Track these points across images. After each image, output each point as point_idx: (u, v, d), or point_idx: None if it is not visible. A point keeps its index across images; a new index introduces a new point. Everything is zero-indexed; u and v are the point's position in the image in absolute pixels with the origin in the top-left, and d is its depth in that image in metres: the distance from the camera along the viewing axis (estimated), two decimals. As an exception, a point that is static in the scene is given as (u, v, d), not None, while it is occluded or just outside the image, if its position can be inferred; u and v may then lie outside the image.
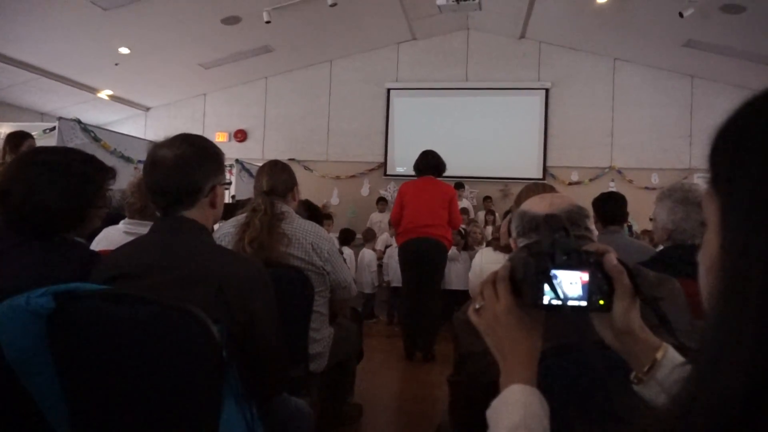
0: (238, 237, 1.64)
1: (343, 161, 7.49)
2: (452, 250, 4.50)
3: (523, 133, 7.05)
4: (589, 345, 0.67)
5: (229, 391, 0.87)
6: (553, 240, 0.62)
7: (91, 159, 1.16)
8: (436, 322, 3.67)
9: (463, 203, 6.37)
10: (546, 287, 0.61)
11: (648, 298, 0.63)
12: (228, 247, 1.61)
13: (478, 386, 0.83)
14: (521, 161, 7.01)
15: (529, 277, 0.61)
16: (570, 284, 0.61)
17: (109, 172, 1.19)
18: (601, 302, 0.62)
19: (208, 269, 1.00)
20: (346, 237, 5.10)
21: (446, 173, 3.86)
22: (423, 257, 3.55)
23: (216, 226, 1.86)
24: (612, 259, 0.63)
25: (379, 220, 6.63)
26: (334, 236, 5.08)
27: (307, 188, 6.98)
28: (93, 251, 1.17)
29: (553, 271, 0.61)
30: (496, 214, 6.50)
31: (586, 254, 0.62)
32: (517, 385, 0.58)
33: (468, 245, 4.76)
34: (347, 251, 4.89)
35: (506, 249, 2.03)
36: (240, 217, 1.72)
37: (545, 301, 0.61)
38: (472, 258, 3.59)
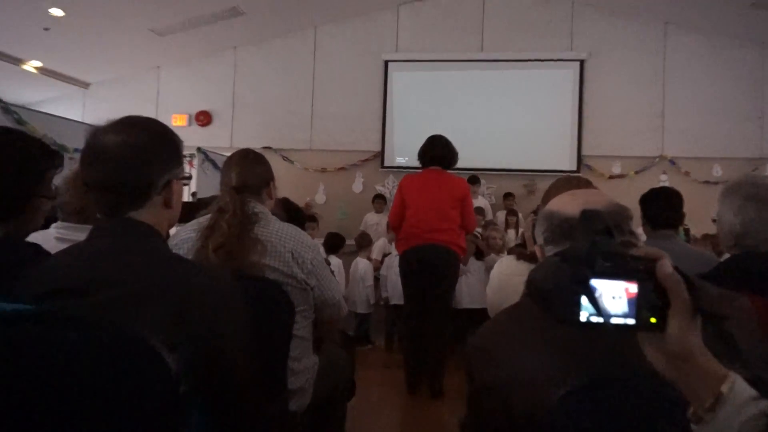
0: (200, 244, 1.64)
1: (331, 150, 7.51)
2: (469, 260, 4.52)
3: (553, 115, 7.10)
4: (637, 373, 0.67)
5: (188, 436, 0.87)
6: (592, 242, 0.62)
7: (34, 139, 1.16)
8: (445, 348, 3.68)
9: (479, 201, 6.42)
10: (583, 301, 0.60)
11: (711, 315, 0.63)
12: (187, 256, 1.60)
13: (497, 430, 0.83)
14: (550, 150, 7.06)
15: (561, 288, 0.61)
16: (614, 298, 0.61)
17: (56, 157, 1.19)
18: (653, 320, 0.62)
19: (163, 284, 0.99)
20: (335, 243, 5.11)
21: (458, 165, 3.89)
22: (429, 268, 3.57)
23: (172, 231, 1.86)
24: (667, 266, 0.62)
25: (376, 222, 6.66)
26: (319, 242, 5.08)
27: (287, 184, 7.02)
28: (39, 250, 1.16)
29: (593, 281, 0.61)
30: (519, 215, 6.53)
31: (634, 260, 0.62)
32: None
33: (483, 253, 4.76)
34: (335, 261, 4.89)
35: (533, 258, 2.03)
36: (203, 220, 1.72)
37: (582, 318, 0.60)
38: (488, 269, 3.60)
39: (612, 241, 0.65)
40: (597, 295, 0.60)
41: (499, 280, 2.45)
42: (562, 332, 0.63)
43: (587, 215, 0.90)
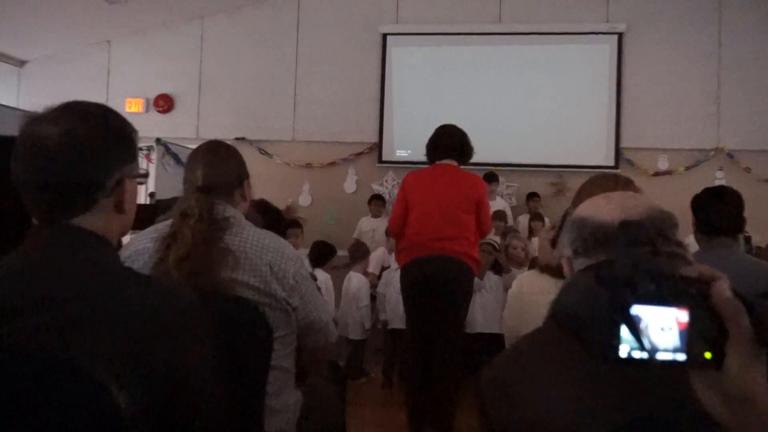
0: (159, 256, 1.64)
1: (318, 142, 7.54)
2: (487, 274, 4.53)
3: (585, 99, 7.14)
4: (688, 418, 0.67)
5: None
6: (634, 260, 0.62)
7: None
8: (455, 383, 3.67)
9: (497, 204, 6.45)
10: (624, 332, 0.61)
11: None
12: (144, 270, 1.60)
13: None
14: (582, 141, 7.10)
15: (596, 316, 0.61)
16: (661, 328, 0.61)
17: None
18: (708, 355, 0.62)
19: (112, 306, 0.99)
20: (323, 254, 5.10)
21: (473, 159, 3.91)
22: (437, 285, 3.58)
23: (125, 240, 1.85)
24: (724, 289, 0.63)
25: (372, 228, 6.68)
26: (303, 253, 5.08)
27: (265, 182, 6.93)
28: None
29: (636, 308, 0.61)
30: (546, 220, 6.53)
31: (684, 282, 0.63)
32: None
33: (502, 267, 4.77)
34: (323, 276, 4.88)
35: (558, 271, 2.04)
36: (162, 226, 1.72)
37: (622, 352, 0.61)
38: (508, 286, 3.58)
39: (658, 259, 0.65)
40: (640, 325, 0.61)
41: (520, 300, 2.45)
42: (597, 368, 0.63)
43: (626, 227, 0.90)
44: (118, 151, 1.11)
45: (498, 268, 4.77)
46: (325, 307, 1.87)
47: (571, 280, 0.94)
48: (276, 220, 2.64)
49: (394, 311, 4.85)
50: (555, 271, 2.21)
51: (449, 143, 3.74)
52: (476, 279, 4.04)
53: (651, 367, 0.61)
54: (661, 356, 0.61)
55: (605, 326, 0.61)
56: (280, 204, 4.82)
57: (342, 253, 5.64)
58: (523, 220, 6.72)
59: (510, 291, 2.58)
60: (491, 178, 6.43)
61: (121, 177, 1.11)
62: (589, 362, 0.64)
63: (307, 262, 4.98)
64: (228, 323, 1.51)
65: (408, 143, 7.23)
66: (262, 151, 7.55)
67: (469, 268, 3.65)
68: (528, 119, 7.15)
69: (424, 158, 3.90)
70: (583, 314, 0.63)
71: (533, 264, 4.86)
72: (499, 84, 7.25)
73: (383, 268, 5.53)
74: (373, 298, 5.28)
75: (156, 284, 1.10)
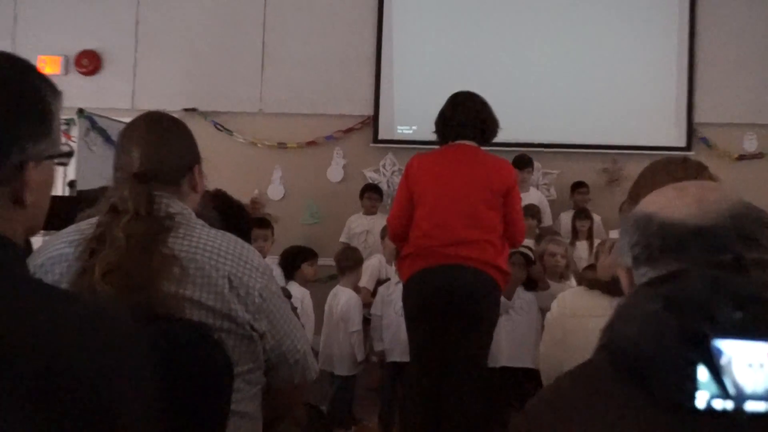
0: (81, 264, 1.63)
1: (294, 115, 7.56)
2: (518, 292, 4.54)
3: (647, 62, 7.16)
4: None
5: None
6: (713, 276, 0.62)
7: None
8: (474, 430, 3.68)
9: (531, 196, 6.47)
10: (701, 373, 0.62)
11: None
12: (60, 284, 1.60)
13: None
14: (643, 115, 7.12)
15: (665, 352, 0.63)
16: (750, 366, 0.62)
17: None
18: None
19: (16, 332, 0.98)
20: (297, 263, 5.11)
21: (498, 138, 3.93)
22: (452, 305, 3.59)
23: (36, 243, 1.84)
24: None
25: (366, 229, 6.70)
26: (274, 263, 5.08)
27: (223, 168, 6.93)
28: None
29: (717, 342, 0.62)
30: (595, 218, 6.58)
31: None
32: None
33: (537, 281, 4.77)
34: (299, 292, 4.88)
35: (614, 287, 2.05)
36: (86, 226, 1.72)
37: (700, 401, 0.62)
38: (545, 307, 3.57)
39: (746, 277, 0.65)
40: (723, 363, 0.61)
41: (561, 325, 2.44)
42: (665, 420, 0.62)
43: (701, 233, 0.90)
44: (25, 125, 1.09)
45: (532, 283, 4.77)
46: (302, 333, 1.86)
47: (631, 299, 0.94)
48: (237, 218, 2.63)
49: (395, 339, 4.85)
50: (608, 287, 2.21)
51: (467, 117, 3.75)
52: (503, 298, 4.04)
53: (737, 420, 0.61)
54: (750, 406, 0.62)
55: (676, 366, 0.62)
56: (244, 197, 4.83)
57: (326, 261, 5.63)
58: (565, 218, 6.75)
59: (548, 314, 2.59)
60: (523, 163, 6.46)
61: (25, 159, 1.09)
62: (654, 413, 0.64)
63: (278, 273, 4.97)
64: (173, 355, 1.50)
65: (412, 117, 7.24)
66: (220, 127, 7.55)
67: (494, 282, 3.66)
68: (572, 86, 7.18)
69: (433, 137, 3.91)
70: (646, 349, 0.63)
71: (581, 277, 4.89)
72: (532, 40, 7.27)
73: (380, 282, 5.53)
74: (366, 321, 5.27)
75: (76, 303, 1.09)
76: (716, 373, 0.62)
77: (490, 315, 3.71)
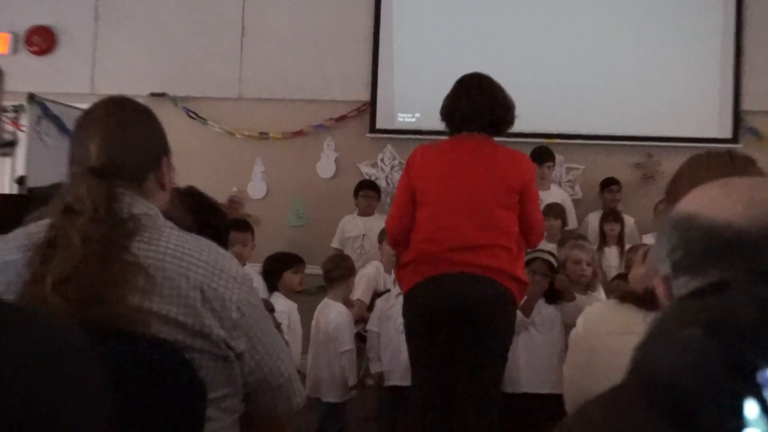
0: (31, 272, 1.63)
1: (278, 101, 7.58)
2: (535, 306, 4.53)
3: (688, 40, 7.17)
4: None
5: None
6: (762, 299, 0.62)
7: None
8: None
9: (553, 194, 6.49)
10: (750, 409, 0.62)
11: None
12: (6, 294, 1.59)
13: None
14: (683, 102, 7.13)
15: (707, 385, 0.63)
16: None
17: None
18: None
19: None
20: (279, 271, 5.10)
21: (514, 128, 3.92)
22: (460, 320, 3.59)
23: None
24: None
25: (361, 233, 6.72)
26: (254, 271, 5.08)
27: (196, 161, 6.94)
28: None
29: (766, 373, 0.62)
30: (628, 220, 6.58)
31: None
32: None
33: (560, 292, 4.75)
34: (285, 305, 4.88)
35: (649, 300, 2.04)
36: (36, 229, 1.71)
37: None
38: (571, 322, 3.54)
39: None
40: None
41: (588, 344, 2.43)
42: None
43: (749, 240, 0.89)
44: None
45: (555, 295, 4.75)
46: (287, 353, 1.86)
47: (668, 315, 0.93)
48: (212, 219, 2.61)
49: (394, 360, 4.85)
50: (642, 300, 2.20)
51: (477, 104, 3.74)
52: (520, 314, 4.02)
53: None
54: None
55: (720, 400, 0.62)
56: (220, 195, 4.81)
57: (313, 269, 5.63)
58: (593, 219, 6.75)
59: (573, 331, 2.58)
60: (543, 156, 6.46)
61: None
62: None
63: (260, 283, 4.96)
64: (136, 378, 1.50)
65: (415, 103, 7.25)
66: (192, 114, 7.55)
67: (510, 294, 3.65)
68: (600, 68, 7.18)
69: (439, 125, 3.90)
70: (685, 379, 0.63)
71: (610, 288, 4.82)
72: (555, 14, 7.27)
73: (377, 294, 5.53)
74: (361, 338, 5.27)
75: (24, 317, 1.08)
76: (766, 408, 0.61)
77: (504, 332, 3.70)
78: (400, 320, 3.99)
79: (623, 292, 2.42)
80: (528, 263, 4.08)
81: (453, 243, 3.61)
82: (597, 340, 2.37)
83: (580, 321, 2.54)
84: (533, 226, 3.77)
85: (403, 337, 3.96)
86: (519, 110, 3.85)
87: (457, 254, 3.59)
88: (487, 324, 3.60)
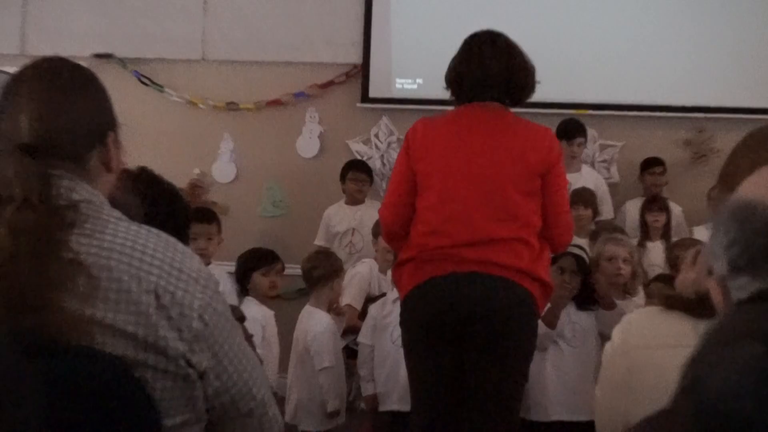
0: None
1: (250, 64, 7.60)
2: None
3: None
4: None
5: None
6: None
7: None
8: None
9: (584, 177, 6.51)
10: None
11: None
12: None
13: None
14: (741, 67, 7.13)
15: None
16: None
17: None
18: None
19: None
20: (248, 274, 5.10)
21: (535, 97, 3.93)
22: (470, 331, 3.59)
23: None
24: None
25: (350, 226, 6.74)
26: (221, 271, 5.12)
27: (152, 137, 6.99)
28: None
29: None
30: (674, 209, 6.60)
31: None
32: None
33: (594, 296, 4.74)
34: (258, 313, 4.89)
35: (701, 307, 2.05)
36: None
37: None
38: (606, 334, 3.52)
39: None
40: None
41: (626, 360, 2.43)
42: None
43: None
44: None
45: (588, 299, 4.74)
46: (261, 372, 1.87)
47: (725, 326, 0.93)
48: (170, 207, 2.62)
49: (392, 379, 4.87)
50: (693, 306, 2.20)
51: (493, 67, 3.73)
52: (543, 326, 4.02)
53: None
54: None
55: None
56: (179, 179, 4.78)
57: (293, 269, 5.63)
58: (632, 208, 6.77)
59: (607, 345, 2.58)
60: (572, 131, 6.46)
61: None
62: None
63: (229, 286, 4.97)
64: (76, 400, 1.50)
65: (417, 67, 7.25)
66: (146, 80, 7.55)
67: (531, 298, 3.64)
68: (642, 26, 7.18)
69: (445, 94, 3.90)
70: (744, 407, 0.63)
71: (649, 292, 4.80)
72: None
73: (371, 299, 5.53)
74: (351, 353, 5.27)
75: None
76: None
77: (524, 345, 3.69)
78: (398, 331, 3.98)
79: (669, 296, 2.42)
80: (554, 260, 4.07)
81: (462, 236, 3.59)
82: (637, 354, 2.37)
83: (616, 331, 2.54)
84: (559, 215, 3.75)
85: (401, 352, 3.95)
86: (541, 75, 3.85)
87: (467, 250, 3.57)
88: (503, 335, 3.58)
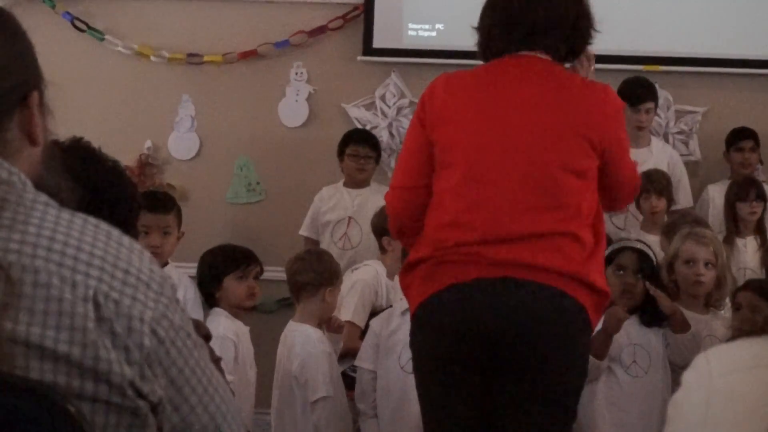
0: None
1: (216, 2, 7.61)
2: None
3: None
4: None
5: None
6: None
7: None
8: None
9: (654, 154, 6.57)
10: None
11: None
12: None
13: None
14: None
15: None
16: None
17: None
18: None
19: None
20: (218, 279, 5.12)
21: (595, 48, 3.95)
22: (501, 355, 3.60)
23: None
24: None
25: (347, 213, 6.78)
26: (181, 274, 5.20)
27: (89, 99, 7.14)
28: None
29: None
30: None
31: None
32: None
33: (664, 309, 4.74)
34: (229, 329, 4.91)
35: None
36: None
37: None
38: (683, 361, 3.48)
39: None
40: None
41: (707, 394, 2.43)
42: None
43: None
44: None
45: (655, 313, 4.74)
46: (232, 403, 1.89)
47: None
48: (112, 191, 2.63)
49: (398, 414, 4.91)
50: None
51: (560, 7, 3.75)
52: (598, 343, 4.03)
53: None
54: None
55: None
56: (126, 154, 4.79)
57: (276, 273, 5.65)
58: (717, 194, 6.78)
59: (684, 377, 2.60)
60: (640, 93, 6.48)
61: None
62: None
63: (191, 294, 5.00)
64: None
65: (434, 9, 7.29)
66: (81, 24, 7.56)
67: (582, 311, 3.63)
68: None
69: (473, 44, 3.91)
70: None
71: (741, 301, 4.82)
72: None
73: (375, 312, 5.54)
74: (349, 380, 5.29)
75: None
76: None
77: (572, 373, 3.69)
78: (409, 353, 3.97)
79: (759, 324, 2.44)
80: (609, 259, 4.05)
81: (492, 230, 3.58)
82: (722, 384, 2.39)
83: (697, 364, 2.55)
84: (623, 181, 3.79)
85: (412, 380, 3.96)
86: (602, 21, 3.86)
87: (499, 248, 3.56)
88: (545, 361, 3.58)
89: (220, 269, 5.13)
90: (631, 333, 4.58)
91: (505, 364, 3.58)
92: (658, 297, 4.61)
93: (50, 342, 1.64)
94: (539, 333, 3.55)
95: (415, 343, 3.78)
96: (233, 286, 5.11)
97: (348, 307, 5.55)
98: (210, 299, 5.10)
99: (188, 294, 4.90)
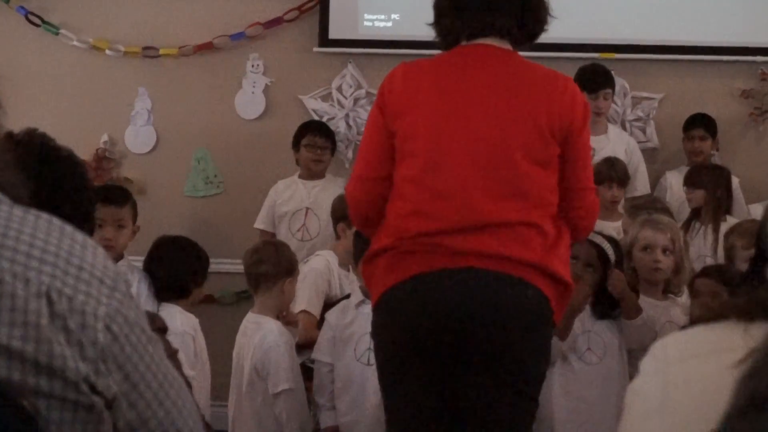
0: None
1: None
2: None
3: None
4: None
5: None
6: None
7: None
8: None
9: (611, 142, 6.59)
10: None
11: None
12: None
13: None
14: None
15: None
16: None
17: None
18: None
19: None
20: (182, 273, 5.11)
21: (550, 35, 3.96)
22: (465, 346, 3.60)
23: None
24: None
25: (304, 205, 6.78)
26: (136, 269, 5.14)
27: (44, 93, 7.11)
28: None
29: None
30: (733, 182, 6.60)
31: None
32: None
33: (620, 296, 4.74)
34: (186, 323, 4.90)
35: (753, 309, 2.07)
36: None
37: None
38: (639, 347, 3.50)
39: None
40: None
41: (661, 381, 2.43)
42: None
43: None
44: None
45: (610, 303, 4.77)
46: (188, 399, 1.88)
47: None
48: (66, 185, 2.61)
49: (356, 407, 4.91)
50: (745, 310, 2.22)
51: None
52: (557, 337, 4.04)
53: None
54: None
55: None
56: (81, 148, 4.77)
57: (233, 266, 5.63)
58: (675, 181, 6.83)
59: (643, 362, 2.58)
60: (596, 80, 6.50)
61: None
62: None
63: (144, 288, 4.97)
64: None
65: (390, 1, 7.32)
66: (35, 18, 7.51)
67: (545, 302, 3.64)
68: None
69: (429, 34, 3.90)
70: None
71: (695, 290, 4.85)
72: None
73: (330, 303, 5.57)
74: (307, 372, 5.28)
75: None
76: None
77: (536, 362, 3.69)
78: (365, 345, 3.97)
79: (717, 310, 2.43)
80: (575, 249, 4.04)
81: (454, 219, 3.58)
82: (673, 371, 2.38)
83: (655, 350, 2.54)
84: (581, 200, 3.76)
85: (371, 371, 3.95)
86: (558, 7, 3.87)
87: (461, 238, 3.56)
88: (508, 351, 3.59)
89: (204, 270, 5.16)
90: (585, 321, 4.59)
91: (469, 354, 3.58)
92: (611, 277, 4.63)
93: (4, 338, 1.63)
94: (503, 323, 3.55)
95: (377, 333, 3.78)
96: (203, 290, 5.21)
97: (302, 297, 5.54)
98: (184, 292, 5.10)
99: (141, 288, 4.89)
